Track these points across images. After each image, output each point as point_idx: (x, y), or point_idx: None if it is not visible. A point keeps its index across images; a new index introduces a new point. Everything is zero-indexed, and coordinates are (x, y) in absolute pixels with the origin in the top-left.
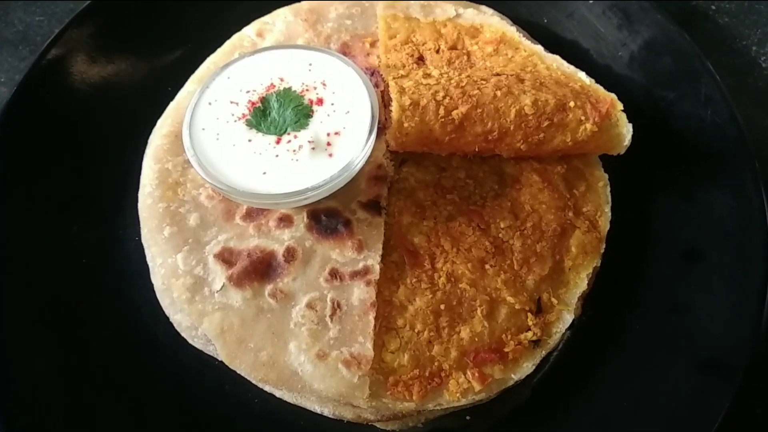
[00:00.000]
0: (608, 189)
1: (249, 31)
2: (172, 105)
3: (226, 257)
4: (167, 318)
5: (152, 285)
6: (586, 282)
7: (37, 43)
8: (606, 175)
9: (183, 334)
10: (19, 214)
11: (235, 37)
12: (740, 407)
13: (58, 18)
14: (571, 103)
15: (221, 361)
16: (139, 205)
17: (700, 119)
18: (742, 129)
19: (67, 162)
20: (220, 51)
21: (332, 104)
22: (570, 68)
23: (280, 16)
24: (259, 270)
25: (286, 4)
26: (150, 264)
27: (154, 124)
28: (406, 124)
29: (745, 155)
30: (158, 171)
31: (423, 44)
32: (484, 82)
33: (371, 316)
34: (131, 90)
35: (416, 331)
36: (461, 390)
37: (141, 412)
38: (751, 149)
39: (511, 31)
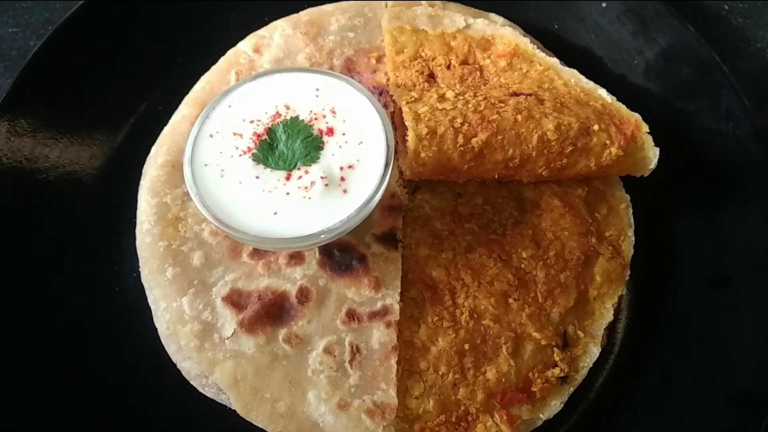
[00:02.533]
0: (630, 211)
1: (245, 47)
2: (166, 130)
3: (235, 300)
4: (171, 362)
5: (154, 326)
6: (612, 312)
7: (12, 57)
8: (628, 197)
9: (192, 383)
10: (5, 253)
11: (230, 54)
12: None
13: (33, 29)
14: (596, 127)
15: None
16: (138, 243)
17: (722, 134)
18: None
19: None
20: (215, 69)
21: (343, 134)
22: (589, 84)
23: (278, 29)
24: (272, 313)
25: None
26: (153, 307)
27: (143, 148)
28: (423, 155)
29: None
30: (156, 205)
31: (433, 59)
32: (502, 104)
33: (393, 361)
34: (116, 109)
35: (440, 373)
36: None
37: None
38: None
39: (524, 42)
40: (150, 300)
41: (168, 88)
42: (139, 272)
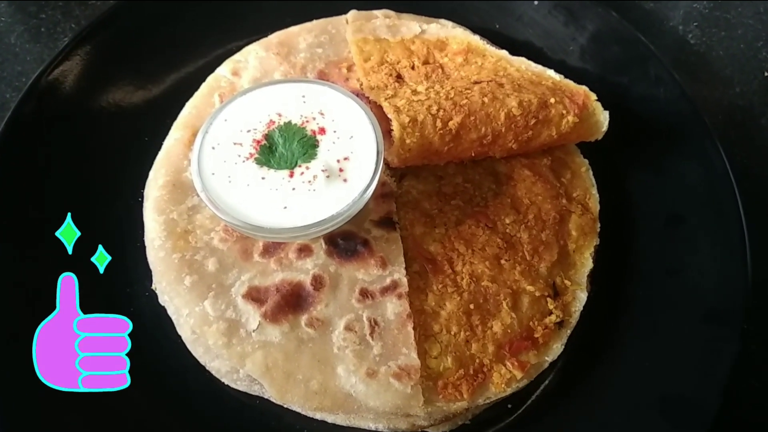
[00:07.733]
0: (591, 173)
1: (223, 71)
2: (161, 155)
3: (254, 296)
4: (196, 368)
5: (174, 337)
6: (591, 260)
7: None
8: (586, 161)
9: (223, 380)
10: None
11: (211, 79)
12: None
13: (8, 82)
14: (552, 100)
15: (261, 401)
16: (151, 259)
17: (655, 98)
18: (694, 102)
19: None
20: (197, 94)
21: (335, 131)
22: (538, 67)
23: (252, 52)
24: (291, 302)
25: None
26: (174, 317)
27: (138, 177)
28: (408, 141)
29: (702, 125)
30: (164, 222)
31: (398, 63)
32: (468, 91)
33: (410, 327)
34: (107, 144)
35: (453, 333)
36: (505, 380)
37: None
38: (705, 119)
39: (475, 39)
40: (171, 311)
41: (151, 120)
42: (151, 291)
